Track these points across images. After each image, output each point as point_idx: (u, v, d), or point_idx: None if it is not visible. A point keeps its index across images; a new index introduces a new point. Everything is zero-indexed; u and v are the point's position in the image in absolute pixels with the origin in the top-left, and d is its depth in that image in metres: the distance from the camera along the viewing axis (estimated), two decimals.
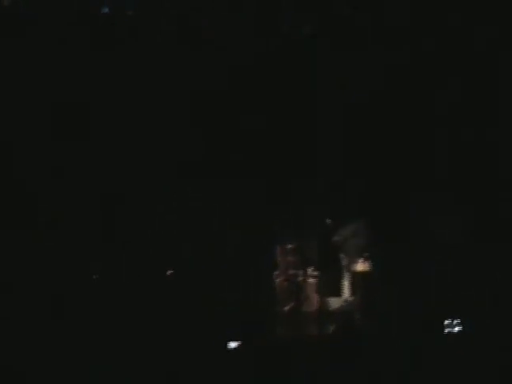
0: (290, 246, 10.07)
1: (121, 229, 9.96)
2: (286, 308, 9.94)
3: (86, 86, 10.07)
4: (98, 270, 9.81)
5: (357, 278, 10.03)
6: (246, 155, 10.16)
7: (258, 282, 9.88)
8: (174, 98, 10.13)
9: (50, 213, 9.90)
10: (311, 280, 10.08)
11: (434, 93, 10.17)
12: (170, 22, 9.86)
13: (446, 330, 9.10)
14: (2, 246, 9.60)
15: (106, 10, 10.11)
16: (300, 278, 10.05)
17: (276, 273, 10.09)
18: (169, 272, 9.96)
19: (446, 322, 9.12)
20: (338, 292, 10.15)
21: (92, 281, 9.80)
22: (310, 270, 10.09)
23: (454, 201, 9.94)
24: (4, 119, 9.90)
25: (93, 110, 10.08)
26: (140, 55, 10.13)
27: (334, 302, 10.09)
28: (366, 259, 10.01)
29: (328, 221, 10.23)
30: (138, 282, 9.77)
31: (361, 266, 10.03)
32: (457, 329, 9.11)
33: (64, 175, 10.03)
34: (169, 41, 9.98)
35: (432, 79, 10.18)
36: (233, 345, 8.99)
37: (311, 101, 10.17)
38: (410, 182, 10.07)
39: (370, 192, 10.06)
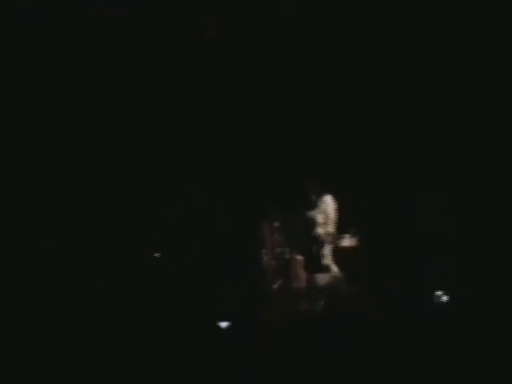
0: (276, 224, 9.91)
1: (123, 229, 9.96)
2: (275, 286, 9.87)
3: (86, 84, 10.02)
4: (99, 269, 9.82)
5: (344, 253, 9.90)
6: (248, 155, 10.18)
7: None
8: (175, 98, 10.11)
9: (49, 213, 9.88)
10: (299, 257, 9.94)
11: (433, 91, 10.22)
12: (173, 22, 9.80)
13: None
14: (2, 245, 9.59)
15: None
16: (287, 256, 9.92)
17: (263, 251, 9.96)
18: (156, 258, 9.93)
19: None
20: (326, 268, 9.93)
21: (93, 281, 9.81)
22: (297, 247, 9.95)
23: (453, 201, 10.03)
24: (4, 119, 9.82)
25: (94, 109, 10.03)
26: (142, 54, 10.08)
27: (322, 279, 9.90)
28: (352, 234, 9.95)
29: (313, 197, 10.00)
30: (141, 282, 9.80)
31: (348, 242, 9.92)
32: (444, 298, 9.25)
33: (64, 174, 10.00)
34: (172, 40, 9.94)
35: (432, 76, 10.22)
36: (223, 324, 9.01)
37: (312, 100, 10.20)
38: (409, 182, 10.16)
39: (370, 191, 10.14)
